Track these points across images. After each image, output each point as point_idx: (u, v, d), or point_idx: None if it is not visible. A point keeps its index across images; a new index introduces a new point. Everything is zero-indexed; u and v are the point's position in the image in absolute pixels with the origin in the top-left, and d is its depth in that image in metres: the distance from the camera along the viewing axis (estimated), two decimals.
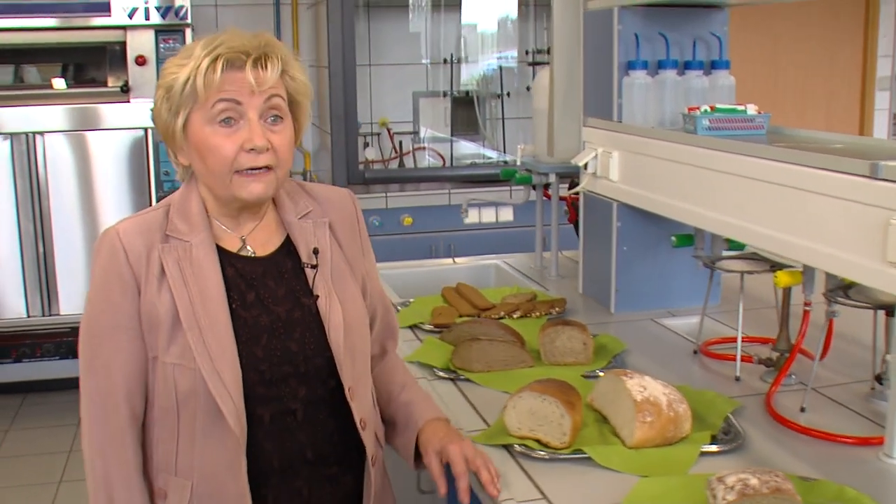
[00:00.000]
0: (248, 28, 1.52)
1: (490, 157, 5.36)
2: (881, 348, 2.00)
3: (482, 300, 2.72)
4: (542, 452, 1.76)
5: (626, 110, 2.56)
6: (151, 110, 1.52)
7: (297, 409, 1.48)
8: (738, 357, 2.16)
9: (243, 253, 1.52)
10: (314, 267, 1.53)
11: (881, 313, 1.96)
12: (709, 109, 2.29)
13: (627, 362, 2.26)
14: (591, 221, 2.81)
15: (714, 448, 1.78)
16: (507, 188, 4.63)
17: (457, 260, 3.40)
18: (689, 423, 1.82)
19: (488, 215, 4.82)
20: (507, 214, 4.80)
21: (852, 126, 5.95)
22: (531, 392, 1.80)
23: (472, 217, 4.84)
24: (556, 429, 1.76)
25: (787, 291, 2.13)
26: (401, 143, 5.33)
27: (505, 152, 5.39)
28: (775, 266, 2.19)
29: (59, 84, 4.29)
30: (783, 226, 1.94)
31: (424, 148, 5.37)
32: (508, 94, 5.47)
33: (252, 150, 1.43)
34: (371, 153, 5.22)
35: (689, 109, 2.33)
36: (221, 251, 1.50)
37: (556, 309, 2.65)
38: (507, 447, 1.80)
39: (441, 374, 2.19)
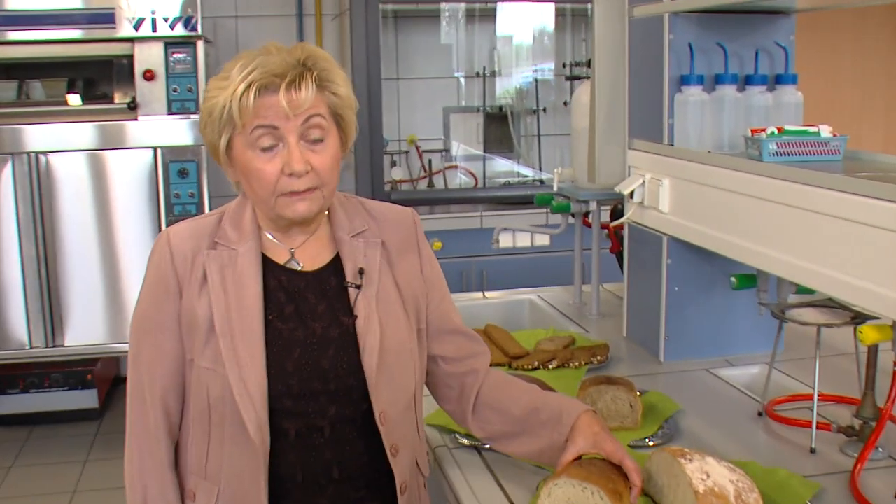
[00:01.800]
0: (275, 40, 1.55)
1: (526, 176, 5.07)
2: None
3: (515, 346, 2.45)
4: None
5: (678, 131, 2.26)
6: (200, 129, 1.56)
7: (325, 426, 1.50)
8: (815, 424, 1.86)
9: (290, 266, 1.55)
10: (358, 287, 1.54)
11: None
12: (776, 131, 1.98)
13: (682, 427, 1.99)
14: (637, 257, 2.51)
15: None
16: (545, 210, 4.36)
17: (487, 294, 3.10)
18: None
19: (523, 240, 4.56)
20: (543, 239, 4.53)
21: None
22: (570, 479, 1.52)
23: (506, 241, 4.59)
24: None
25: (874, 349, 1.81)
26: (430, 161, 5.06)
27: (541, 170, 5.10)
28: (858, 317, 1.87)
29: (73, 100, 4.06)
30: (867, 273, 1.62)
31: (456, 167, 5.09)
32: (545, 110, 5.18)
33: (292, 174, 1.46)
34: (398, 173, 4.95)
35: (753, 131, 2.02)
36: (268, 262, 1.54)
37: (598, 358, 2.36)
38: None
39: (463, 440, 1.92)
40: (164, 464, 1.55)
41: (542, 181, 4.99)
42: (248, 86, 1.45)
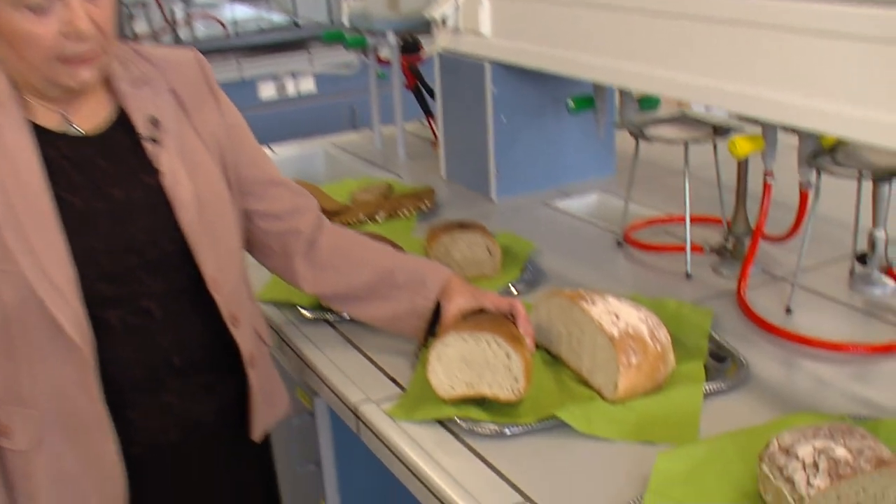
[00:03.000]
0: None
1: (277, 21, 4.67)
2: (865, 225, 1.61)
3: (328, 201, 2.19)
4: (492, 426, 1.30)
5: None
6: None
7: (153, 307, 1.32)
8: (689, 245, 1.75)
9: (67, 132, 1.33)
10: (155, 140, 1.35)
11: (866, 184, 1.56)
12: None
13: (543, 267, 1.84)
14: (452, 90, 2.29)
15: (716, 386, 1.36)
16: (306, 53, 4.04)
17: (275, 149, 2.78)
18: (672, 354, 1.39)
19: (289, 87, 4.24)
20: (307, 84, 4.23)
21: None
22: (459, 334, 1.33)
23: (267, 91, 4.25)
24: (503, 376, 1.32)
25: (744, 163, 1.70)
26: (172, 11, 4.55)
27: (297, 15, 4.72)
28: (719, 130, 1.75)
29: None
30: (752, 78, 1.46)
31: (202, 15, 4.61)
32: None
33: (74, 36, 1.24)
34: (141, 26, 4.42)
35: None
36: (40, 131, 1.31)
37: (427, 203, 2.18)
38: (443, 422, 1.33)
39: (309, 314, 1.70)
40: None
41: (297, 24, 4.62)
42: None
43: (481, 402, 1.34)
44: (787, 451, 1.06)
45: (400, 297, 1.49)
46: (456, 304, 1.45)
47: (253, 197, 1.48)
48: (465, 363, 1.33)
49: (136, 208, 1.32)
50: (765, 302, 1.61)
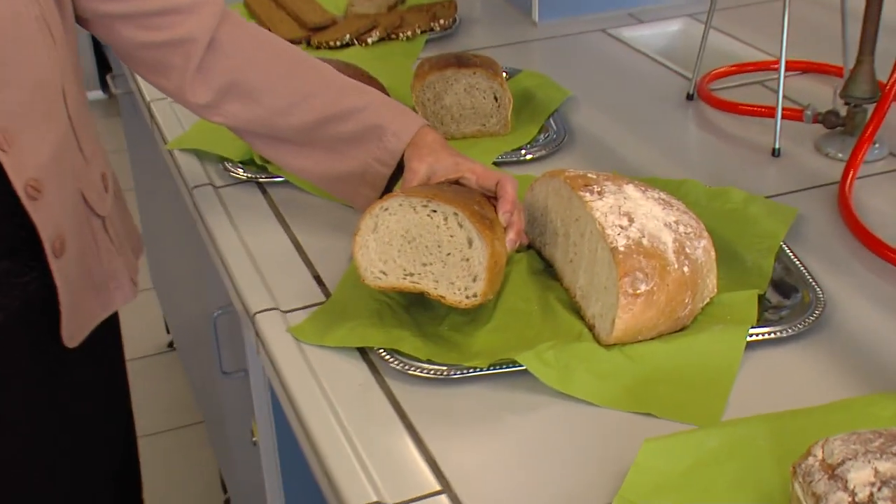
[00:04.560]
0: None
1: None
2: None
3: (315, 11, 2.06)
4: (424, 366, 1.10)
5: None
6: None
7: None
8: (780, 109, 1.50)
9: None
10: None
11: None
12: None
13: (573, 127, 1.65)
14: None
15: (764, 334, 1.12)
16: None
17: None
18: (712, 277, 1.16)
19: None
20: None
21: None
22: (409, 200, 1.16)
23: None
24: (457, 270, 1.14)
25: None
26: None
27: None
28: None
29: None
30: None
31: None
32: None
33: None
34: None
35: None
36: None
37: (441, 22, 2.03)
38: (364, 352, 1.15)
39: (239, 172, 1.54)
40: None
41: None
42: None
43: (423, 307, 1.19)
44: (833, 471, 0.81)
45: (345, 150, 1.35)
46: (423, 167, 1.27)
47: None
48: (408, 243, 1.16)
49: None
50: (882, 206, 1.37)
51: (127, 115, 2.51)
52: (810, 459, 0.84)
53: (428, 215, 1.15)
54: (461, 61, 1.60)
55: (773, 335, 1.10)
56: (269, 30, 1.85)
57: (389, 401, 1.06)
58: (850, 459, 0.81)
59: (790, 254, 1.23)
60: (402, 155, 1.31)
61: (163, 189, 1.98)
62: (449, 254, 1.14)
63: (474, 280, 1.12)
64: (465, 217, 1.13)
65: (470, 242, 1.13)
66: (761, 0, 2.00)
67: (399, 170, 1.31)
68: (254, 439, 1.55)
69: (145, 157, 2.26)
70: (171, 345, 2.90)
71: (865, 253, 1.27)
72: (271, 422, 1.51)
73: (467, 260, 1.13)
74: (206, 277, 1.66)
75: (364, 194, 1.34)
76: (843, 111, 1.51)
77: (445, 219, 1.15)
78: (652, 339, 1.10)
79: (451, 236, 1.14)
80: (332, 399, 1.07)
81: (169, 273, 2.43)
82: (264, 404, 1.51)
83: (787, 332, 1.11)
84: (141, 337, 2.88)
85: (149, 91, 1.76)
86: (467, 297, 1.12)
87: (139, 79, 1.71)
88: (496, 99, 1.60)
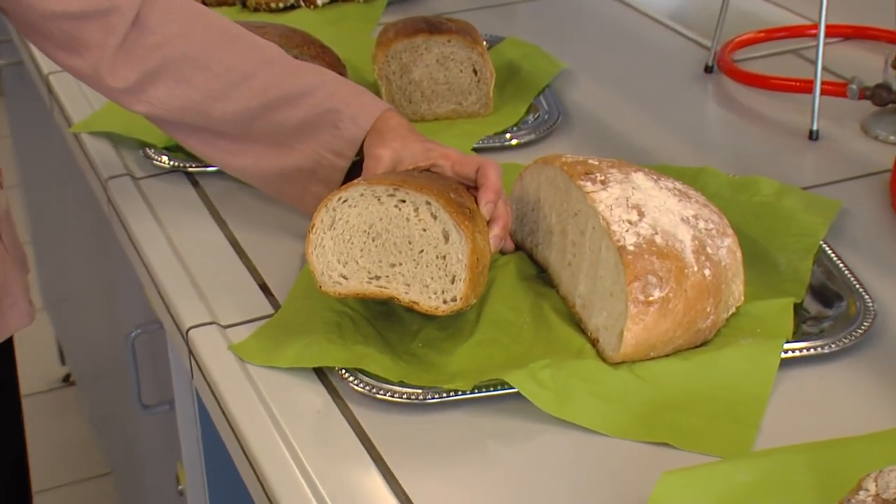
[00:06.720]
0: None
1: None
2: None
3: None
4: (395, 389, 1.16)
5: None
6: None
7: None
8: (818, 84, 1.58)
9: None
10: None
11: None
12: None
13: (568, 104, 1.74)
14: None
15: (801, 350, 1.19)
16: None
17: None
18: (739, 282, 1.24)
19: None
20: None
21: None
22: (371, 188, 1.22)
23: None
24: (432, 270, 1.21)
25: None
26: None
27: None
28: None
29: None
30: None
31: None
32: None
33: None
34: None
35: None
36: None
37: None
38: (322, 374, 1.21)
39: (164, 160, 1.62)
40: None
41: None
42: None
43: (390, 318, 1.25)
44: None
45: (293, 142, 1.42)
46: (388, 153, 1.34)
47: None
48: (372, 240, 1.22)
49: None
50: None
51: (12, 92, 2.56)
52: (861, 494, 0.91)
53: (395, 206, 1.21)
54: (433, 27, 1.68)
55: (812, 351, 1.17)
56: None
57: (354, 431, 1.12)
58: None
59: (832, 255, 1.31)
60: (362, 144, 1.36)
61: (62, 184, 2.04)
62: (421, 251, 1.20)
63: (452, 281, 1.18)
64: (439, 206, 1.19)
65: (446, 237, 1.19)
66: None
67: (358, 164, 1.37)
68: (179, 487, 1.61)
69: (37, 144, 2.31)
70: (66, 378, 2.94)
71: None
72: (201, 464, 1.57)
73: (443, 258, 1.19)
74: (120, 290, 1.72)
75: (315, 193, 1.39)
76: (895, 85, 1.58)
77: (416, 209, 1.21)
78: (667, 355, 1.17)
79: (424, 230, 1.20)
80: (285, 430, 1.12)
81: (67, 289, 2.48)
82: (193, 442, 1.57)
83: (829, 347, 1.18)
84: (29, 370, 2.92)
85: (46, 62, 1.81)
86: (445, 302, 1.18)
87: (32, 46, 1.76)
88: (475, 72, 1.68)
